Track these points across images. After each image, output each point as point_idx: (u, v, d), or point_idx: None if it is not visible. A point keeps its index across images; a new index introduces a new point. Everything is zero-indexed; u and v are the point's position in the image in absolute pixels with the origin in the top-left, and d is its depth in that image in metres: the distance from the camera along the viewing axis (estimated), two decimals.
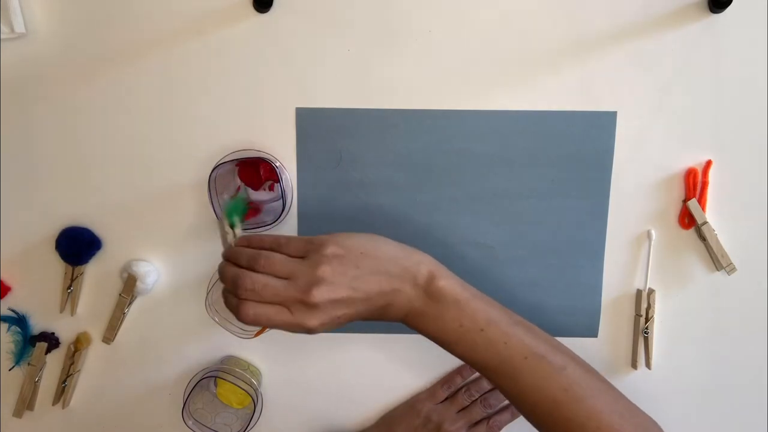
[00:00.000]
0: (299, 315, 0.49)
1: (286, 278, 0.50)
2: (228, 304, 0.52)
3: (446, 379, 0.70)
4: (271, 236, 0.54)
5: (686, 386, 0.69)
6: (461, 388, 0.70)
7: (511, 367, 0.53)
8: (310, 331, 0.50)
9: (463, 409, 0.69)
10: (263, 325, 0.50)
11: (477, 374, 0.70)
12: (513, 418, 0.69)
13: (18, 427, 0.71)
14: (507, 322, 0.54)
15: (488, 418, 0.69)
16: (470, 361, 0.54)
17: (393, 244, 0.54)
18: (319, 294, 0.49)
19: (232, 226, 0.57)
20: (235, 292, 0.50)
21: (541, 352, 0.53)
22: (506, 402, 0.70)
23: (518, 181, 0.66)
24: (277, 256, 0.51)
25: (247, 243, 0.54)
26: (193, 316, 0.68)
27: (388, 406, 0.71)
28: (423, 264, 0.54)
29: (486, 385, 0.69)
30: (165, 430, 0.71)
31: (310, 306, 0.49)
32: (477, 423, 0.69)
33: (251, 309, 0.49)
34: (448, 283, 0.53)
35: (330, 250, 0.51)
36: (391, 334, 0.70)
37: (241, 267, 0.51)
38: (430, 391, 0.70)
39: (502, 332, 0.53)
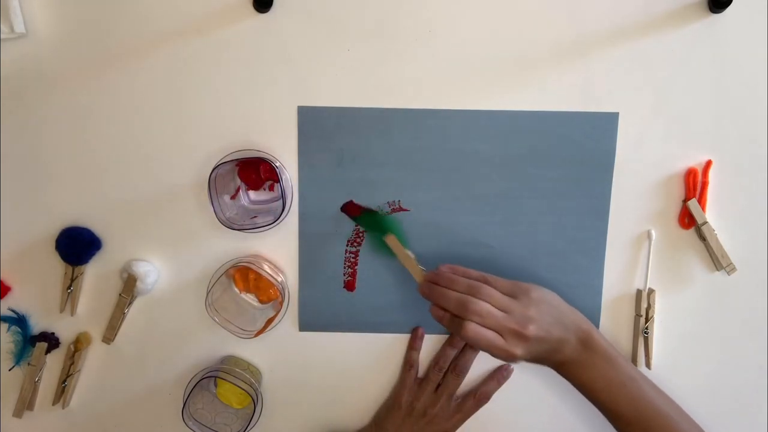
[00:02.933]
0: (511, 343, 0.58)
1: (502, 311, 0.59)
2: (450, 323, 0.60)
3: (406, 361, 0.70)
4: (476, 271, 0.63)
5: (686, 386, 0.69)
6: (429, 366, 0.70)
7: (645, 422, 0.61)
8: (514, 358, 0.58)
9: (439, 385, 0.69)
10: (481, 346, 0.58)
11: (439, 347, 0.70)
12: (499, 385, 0.70)
13: (18, 427, 0.71)
14: (644, 382, 0.63)
15: (475, 390, 0.70)
16: (611, 410, 0.62)
17: (563, 301, 0.63)
18: (532, 329, 0.58)
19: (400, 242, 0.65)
20: (462, 313, 0.58)
21: (673, 414, 0.62)
22: (491, 370, 0.71)
23: (519, 181, 0.66)
24: (494, 290, 0.60)
25: (452, 271, 0.63)
26: (193, 316, 0.69)
27: None
28: (583, 321, 0.63)
29: (450, 352, 0.69)
30: (165, 430, 0.71)
31: (523, 338, 0.58)
32: (465, 397, 0.69)
33: (474, 329, 0.57)
34: (602, 340, 0.62)
35: (534, 295, 0.61)
36: (390, 334, 0.70)
37: (457, 292, 0.60)
38: (401, 380, 0.70)
39: (639, 389, 0.62)
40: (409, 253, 0.65)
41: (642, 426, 0.61)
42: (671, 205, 0.66)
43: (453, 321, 0.59)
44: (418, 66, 0.64)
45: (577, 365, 0.61)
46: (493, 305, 0.59)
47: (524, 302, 0.59)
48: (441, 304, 0.60)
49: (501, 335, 0.58)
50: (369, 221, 0.66)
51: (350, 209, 0.66)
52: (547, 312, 0.60)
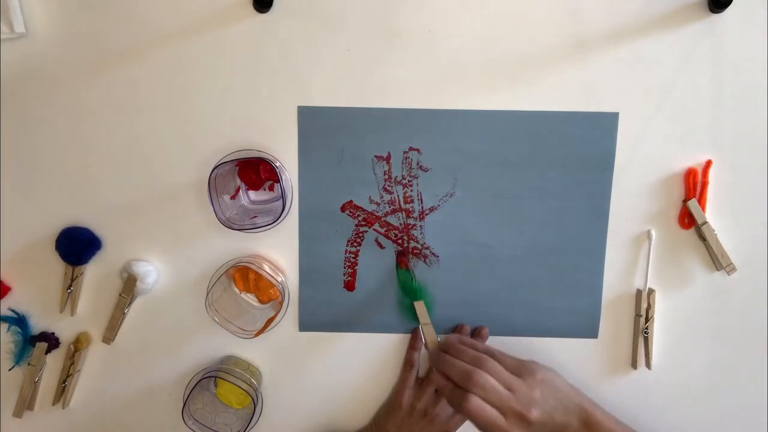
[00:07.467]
0: (513, 424, 0.56)
1: (507, 389, 0.57)
2: (452, 394, 0.58)
3: (406, 361, 0.70)
4: (483, 344, 0.64)
5: (686, 386, 0.69)
6: (430, 366, 0.69)
7: None
8: None
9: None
10: (480, 422, 0.56)
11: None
12: None
13: (18, 427, 0.71)
14: None
15: None
16: None
17: (565, 380, 0.61)
18: (536, 414, 0.56)
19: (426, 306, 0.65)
20: (464, 384, 0.57)
21: None
22: None
23: (519, 181, 0.66)
24: (499, 366, 0.58)
25: (459, 341, 0.62)
26: (193, 316, 0.69)
27: None
28: (585, 400, 0.60)
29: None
30: (165, 430, 0.71)
31: (525, 421, 0.56)
32: None
33: (476, 404, 0.56)
34: (604, 418, 0.60)
35: (539, 376, 0.59)
36: (390, 334, 0.70)
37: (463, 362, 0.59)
38: (401, 380, 0.70)
39: None
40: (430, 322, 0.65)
41: None
42: (671, 205, 0.66)
43: (455, 392, 0.57)
44: (418, 66, 0.64)
45: None
46: (497, 381, 0.57)
47: (529, 383, 0.58)
48: (446, 372, 0.59)
49: (503, 414, 0.56)
50: (406, 281, 0.67)
51: (401, 261, 0.67)
52: (551, 395, 0.58)
